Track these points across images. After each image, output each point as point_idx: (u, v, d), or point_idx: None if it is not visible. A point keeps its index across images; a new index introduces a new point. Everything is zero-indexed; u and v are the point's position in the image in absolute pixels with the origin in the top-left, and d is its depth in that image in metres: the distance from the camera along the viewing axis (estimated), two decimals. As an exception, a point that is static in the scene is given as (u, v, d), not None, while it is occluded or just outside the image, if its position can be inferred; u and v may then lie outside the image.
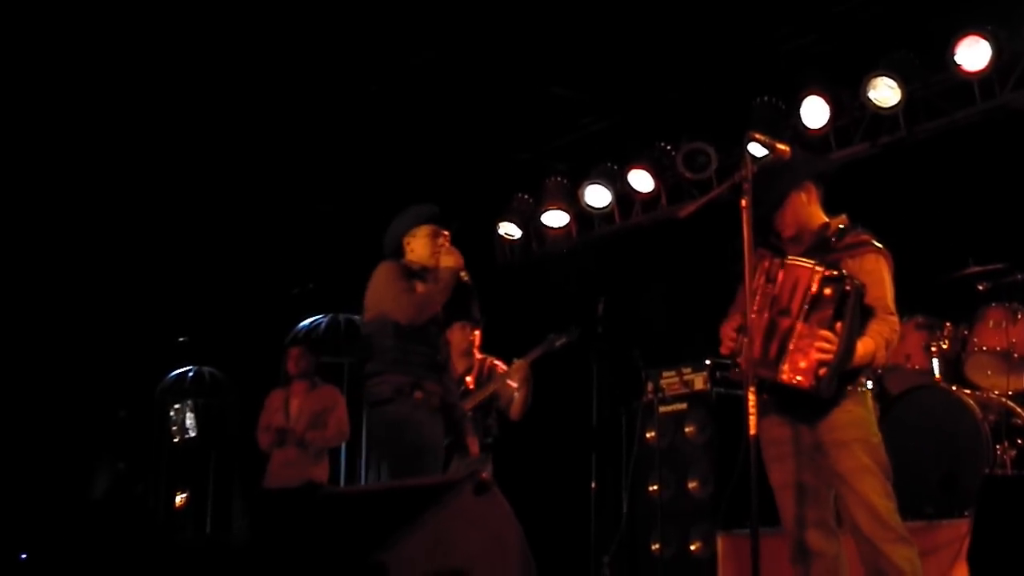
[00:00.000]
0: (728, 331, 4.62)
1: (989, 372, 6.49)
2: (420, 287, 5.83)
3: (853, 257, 4.56)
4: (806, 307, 4.41)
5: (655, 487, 7.56)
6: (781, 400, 4.51)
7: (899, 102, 7.47)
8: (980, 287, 6.57)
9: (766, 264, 4.55)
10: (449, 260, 5.84)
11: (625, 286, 8.95)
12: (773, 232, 4.71)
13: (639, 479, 7.64)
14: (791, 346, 4.39)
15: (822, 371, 4.32)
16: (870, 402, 4.55)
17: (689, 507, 7.44)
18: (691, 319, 8.50)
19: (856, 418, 4.46)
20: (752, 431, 4.31)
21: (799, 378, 4.36)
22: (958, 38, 7.09)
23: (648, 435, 7.65)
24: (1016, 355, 6.34)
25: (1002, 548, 4.34)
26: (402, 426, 5.63)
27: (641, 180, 9.01)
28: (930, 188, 7.58)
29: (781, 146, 4.89)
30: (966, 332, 6.54)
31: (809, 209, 4.71)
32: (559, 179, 9.59)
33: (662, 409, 7.63)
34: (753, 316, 4.42)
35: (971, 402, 6.08)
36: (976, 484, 5.47)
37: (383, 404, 5.68)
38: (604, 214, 9.42)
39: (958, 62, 7.11)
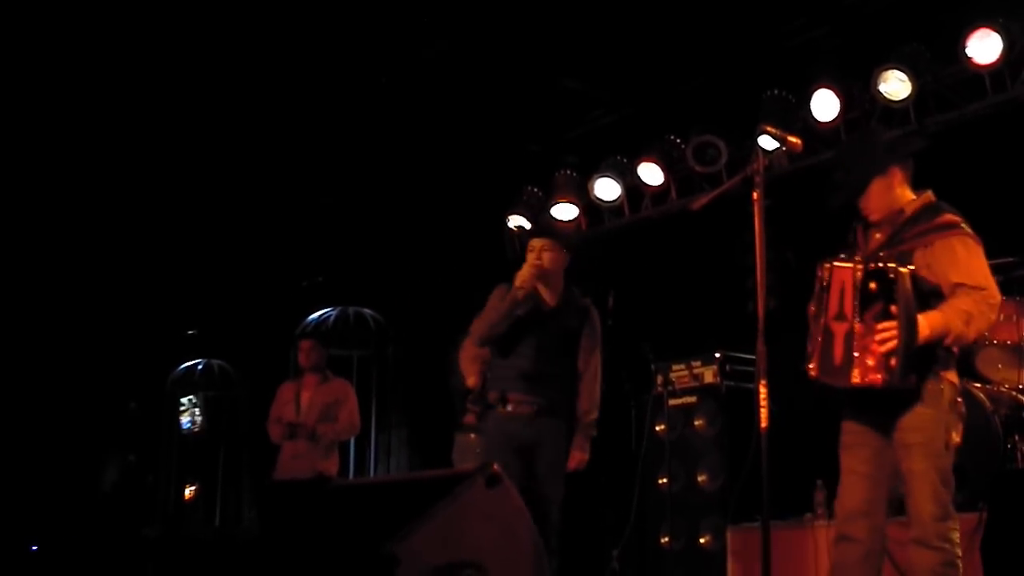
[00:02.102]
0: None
1: (1000, 366, 6.48)
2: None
3: (925, 247, 4.43)
4: (857, 306, 4.31)
5: (664, 480, 7.57)
6: (859, 395, 4.46)
7: (910, 95, 7.44)
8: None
9: (822, 269, 4.51)
10: (517, 278, 5.95)
11: (635, 279, 8.94)
12: (859, 216, 4.66)
13: (648, 472, 7.64)
14: (855, 349, 4.29)
15: (892, 361, 4.21)
16: (946, 400, 4.35)
17: (699, 500, 7.45)
18: (701, 312, 8.50)
19: (922, 421, 4.33)
20: (763, 424, 4.32)
21: (871, 377, 4.26)
22: (969, 31, 7.06)
23: (658, 428, 7.65)
24: (1027, 349, 6.33)
25: (1015, 542, 4.34)
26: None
27: (651, 173, 8.99)
28: (940, 181, 7.55)
29: (793, 139, 4.88)
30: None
31: (894, 193, 4.61)
32: (569, 172, 9.58)
33: (672, 402, 7.65)
34: (822, 323, 4.43)
35: (982, 396, 6.06)
36: (987, 478, 5.46)
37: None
38: (614, 207, 9.40)
39: (969, 55, 7.08)
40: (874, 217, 4.63)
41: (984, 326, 4.31)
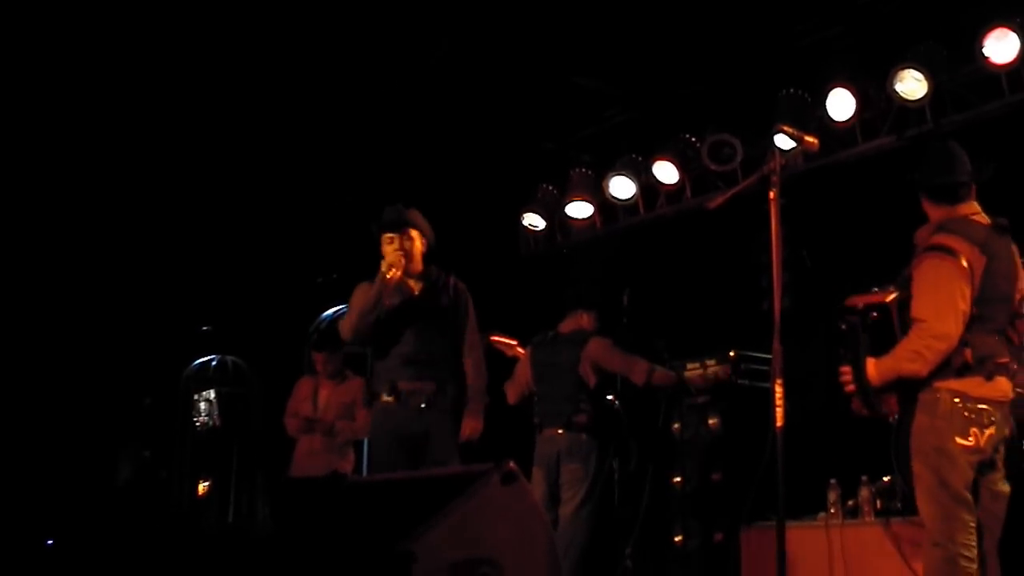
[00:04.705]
0: None
1: (1013, 367, 6.44)
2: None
3: (916, 267, 4.68)
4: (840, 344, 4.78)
5: (678, 479, 7.58)
6: None
7: (926, 94, 7.42)
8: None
9: None
10: (383, 264, 6.19)
11: (650, 277, 8.95)
12: None
13: (662, 470, 7.65)
14: (839, 380, 4.77)
15: (855, 402, 4.70)
16: (943, 407, 4.54)
17: (712, 499, 7.45)
18: (716, 311, 8.50)
19: (918, 428, 4.60)
20: (779, 423, 4.34)
21: (855, 407, 4.75)
22: (986, 30, 7.04)
23: (672, 426, 7.66)
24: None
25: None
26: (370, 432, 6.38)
27: (666, 172, 8.99)
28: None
29: (809, 138, 4.89)
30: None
31: (928, 214, 4.87)
32: (584, 170, 9.58)
33: (686, 400, 7.64)
34: None
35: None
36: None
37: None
38: (628, 205, 9.40)
39: (986, 54, 7.06)
40: None
41: (933, 356, 4.52)
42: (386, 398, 6.14)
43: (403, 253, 6.20)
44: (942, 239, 4.62)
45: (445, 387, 6.16)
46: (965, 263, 4.54)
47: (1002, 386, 4.61)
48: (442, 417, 6.13)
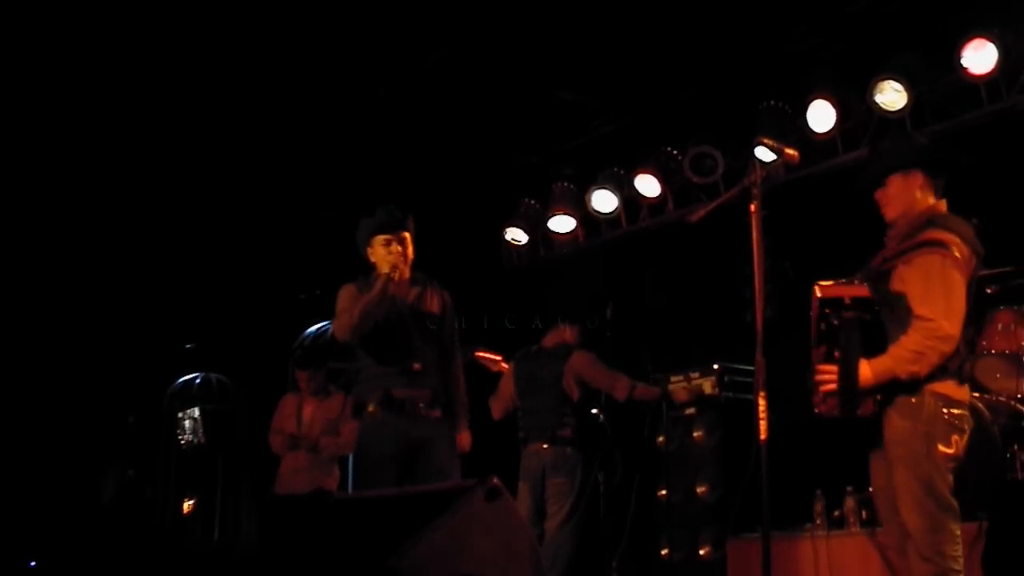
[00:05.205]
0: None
1: (998, 375, 6.47)
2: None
3: (906, 263, 4.44)
4: (815, 338, 4.45)
5: (664, 491, 7.58)
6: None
7: (906, 105, 7.47)
8: (988, 290, 6.55)
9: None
10: (383, 266, 5.93)
11: (633, 290, 8.96)
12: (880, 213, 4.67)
13: (648, 483, 7.65)
14: (816, 378, 4.45)
15: (829, 401, 4.38)
16: (927, 412, 4.35)
17: (698, 511, 7.45)
18: (700, 323, 8.51)
19: (900, 435, 4.39)
20: (762, 436, 4.33)
21: (821, 408, 4.44)
22: (965, 41, 7.09)
23: (657, 439, 7.66)
24: (1025, 358, 6.33)
25: (1016, 552, 4.35)
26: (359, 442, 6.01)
27: (648, 185, 9.02)
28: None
29: (789, 150, 4.90)
30: (974, 335, 6.52)
31: (912, 195, 4.62)
32: (566, 184, 9.60)
33: (671, 413, 7.65)
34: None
35: (980, 405, 6.05)
36: (986, 488, 5.46)
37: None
38: (611, 219, 9.41)
39: (965, 65, 7.11)
40: (889, 215, 4.65)
41: (937, 359, 4.29)
42: (376, 407, 5.93)
43: (402, 255, 6.01)
44: (938, 235, 4.42)
45: (439, 394, 6.00)
46: (962, 260, 4.39)
47: (968, 389, 4.53)
48: (442, 422, 5.98)
